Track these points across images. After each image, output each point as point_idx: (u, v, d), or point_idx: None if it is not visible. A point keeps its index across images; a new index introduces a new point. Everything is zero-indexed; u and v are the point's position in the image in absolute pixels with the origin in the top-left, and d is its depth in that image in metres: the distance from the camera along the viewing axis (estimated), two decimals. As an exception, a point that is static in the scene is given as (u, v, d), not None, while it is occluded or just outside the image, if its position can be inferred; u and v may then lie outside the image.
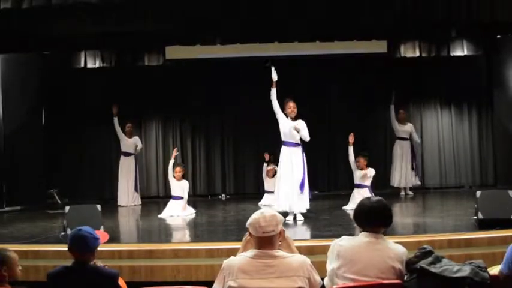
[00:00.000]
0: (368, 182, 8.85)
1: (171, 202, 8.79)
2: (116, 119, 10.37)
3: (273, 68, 7.75)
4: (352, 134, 8.70)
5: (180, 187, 8.83)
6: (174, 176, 8.85)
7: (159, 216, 8.60)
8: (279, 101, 7.72)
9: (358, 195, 8.43)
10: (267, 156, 9.94)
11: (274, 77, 7.68)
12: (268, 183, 9.82)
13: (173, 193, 8.86)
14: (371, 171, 8.85)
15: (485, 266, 3.13)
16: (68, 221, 6.30)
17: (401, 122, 10.51)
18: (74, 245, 3.46)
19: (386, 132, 11.13)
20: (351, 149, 8.78)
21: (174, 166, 8.93)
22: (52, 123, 11.42)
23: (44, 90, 11.23)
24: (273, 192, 9.47)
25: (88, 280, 3.34)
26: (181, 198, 8.80)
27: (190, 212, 8.80)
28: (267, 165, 9.91)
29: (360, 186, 8.85)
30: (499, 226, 6.03)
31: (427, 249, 3.25)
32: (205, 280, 4.93)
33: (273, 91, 7.66)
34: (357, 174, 8.89)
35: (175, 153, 9.10)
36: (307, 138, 7.64)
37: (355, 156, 8.86)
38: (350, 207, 8.45)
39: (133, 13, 7.79)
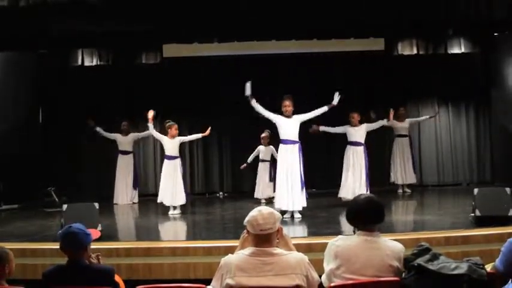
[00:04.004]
0: (363, 139, 8.83)
1: (164, 183, 8.69)
2: (98, 129, 10.35)
3: (247, 85, 7.79)
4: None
5: (175, 145, 8.70)
6: (167, 134, 8.69)
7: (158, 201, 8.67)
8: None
9: (352, 155, 8.70)
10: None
11: (248, 92, 7.75)
12: (263, 152, 9.69)
13: (167, 153, 8.74)
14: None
15: (483, 263, 3.13)
16: (65, 219, 6.29)
17: (400, 120, 10.51)
18: (66, 243, 3.42)
19: (385, 129, 11.11)
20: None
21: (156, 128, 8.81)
22: (49, 121, 11.41)
23: (41, 88, 11.21)
24: (268, 161, 9.45)
25: (84, 278, 3.32)
26: (177, 157, 8.73)
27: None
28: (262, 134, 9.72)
29: (353, 143, 8.81)
30: (496, 223, 6.04)
31: (424, 246, 3.24)
32: (203, 278, 4.93)
33: (253, 102, 7.74)
34: (351, 131, 8.88)
35: (151, 117, 8.65)
36: (316, 112, 7.80)
37: (348, 114, 8.91)
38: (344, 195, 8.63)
39: (130, 11, 7.78)
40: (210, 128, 9.02)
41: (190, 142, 11.55)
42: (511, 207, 6.27)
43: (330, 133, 9.07)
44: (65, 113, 11.29)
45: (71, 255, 3.41)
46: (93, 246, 3.63)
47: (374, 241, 3.25)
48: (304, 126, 7.92)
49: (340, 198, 8.77)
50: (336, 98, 8.02)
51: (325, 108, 7.91)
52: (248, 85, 7.76)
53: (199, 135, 9.08)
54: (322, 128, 8.85)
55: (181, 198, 8.60)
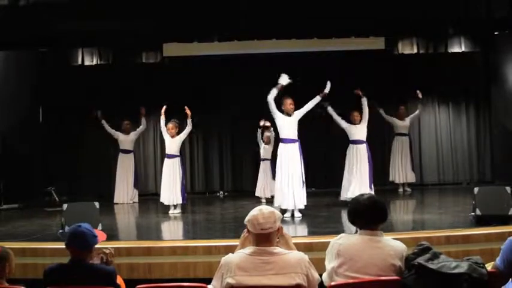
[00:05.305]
0: (364, 137, 8.74)
1: (164, 182, 8.71)
2: (103, 122, 10.36)
3: (286, 77, 7.73)
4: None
5: (174, 144, 8.72)
6: (168, 134, 8.72)
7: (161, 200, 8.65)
8: (275, 100, 7.73)
9: (355, 154, 8.63)
10: (262, 122, 9.44)
11: (284, 82, 7.68)
12: (264, 150, 9.64)
13: (167, 151, 8.79)
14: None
15: (483, 262, 3.12)
16: (66, 218, 6.30)
17: (400, 118, 10.49)
18: (72, 241, 3.40)
19: (385, 128, 11.11)
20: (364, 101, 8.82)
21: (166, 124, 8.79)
22: (49, 120, 11.41)
23: (41, 87, 11.21)
24: (269, 159, 9.42)
25: (85, 277, 3.31)
26: (176, 156, 8.72)
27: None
28: (263, 131, 9.61)
29: (355, 142, 8.75)
30: (497, 222, 6.04)
31: (424, 245, 3.24)
32: (203, 277, 4.93)
33: (274, 91, 7.63)
34: (352, 129, 8.81)
35: (163, 111, 8.78)
36: (310, 104, 7.78)
37: (349, 112, 8.89)
38: (344, 196, 8.57)
39: (130, 10, 7.78)
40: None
41: (191, 142, 11.60)
42: (511, 206, 6.28)
43: (331, 125, 9.00)
44: (64, 113, 11.28)
45: (75, 254, 3.39)
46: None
47: (377, 240, 3.24)
48: (304, 121, 7.90)
49: (342, 199, 8.71)
50: (328, 86, 8.00)
51: (318, 98, 7.89)
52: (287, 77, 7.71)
53: (190, 126, 8.87)
54: (329, 108, 8.82)
55: (179, 198, 8.59)
